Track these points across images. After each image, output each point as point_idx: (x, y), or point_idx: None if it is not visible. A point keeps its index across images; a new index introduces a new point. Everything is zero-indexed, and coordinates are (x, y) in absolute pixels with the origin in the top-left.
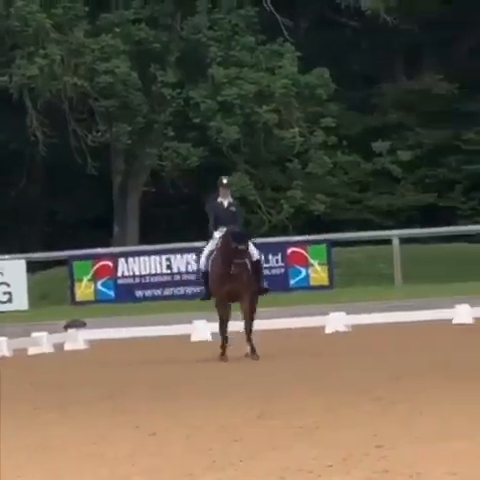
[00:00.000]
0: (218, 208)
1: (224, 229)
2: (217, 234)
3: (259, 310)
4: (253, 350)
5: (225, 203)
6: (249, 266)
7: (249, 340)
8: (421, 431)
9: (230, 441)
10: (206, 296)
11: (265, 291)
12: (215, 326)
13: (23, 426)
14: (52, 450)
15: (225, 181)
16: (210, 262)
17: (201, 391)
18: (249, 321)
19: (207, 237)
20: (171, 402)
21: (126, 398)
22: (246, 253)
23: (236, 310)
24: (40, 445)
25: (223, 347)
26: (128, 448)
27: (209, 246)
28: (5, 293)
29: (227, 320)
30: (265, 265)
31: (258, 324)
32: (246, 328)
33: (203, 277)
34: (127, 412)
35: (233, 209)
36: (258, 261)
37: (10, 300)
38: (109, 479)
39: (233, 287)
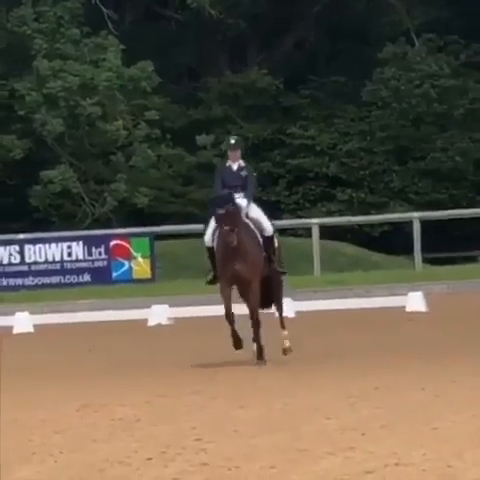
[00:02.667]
0: (225, 172)
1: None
2: None
3: (81, 302)
4: (260, 353)
5: (234, 167)
6: (259, 239)
7: (256, 338)
8: (240, 425)
9: (50, 433)
10: (212, 278)
11: (281, 274)
12: (37, 318)
13: None
14: None
15: (233, 141)
16: (215, 237)
17: (21, 383)
18: (255, 313)
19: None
20: None
21: None
22: (234, 216)
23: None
24: None
25: (235, 339)
26: None
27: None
28: None
29: (230, 309)
30: (88, 257)
31: (82, 317)
32: (253, 320)
33: (208, 254)
34: None
35: (244, 173)
36: (271, 237)
37: None
38: None
39: (238, 267)
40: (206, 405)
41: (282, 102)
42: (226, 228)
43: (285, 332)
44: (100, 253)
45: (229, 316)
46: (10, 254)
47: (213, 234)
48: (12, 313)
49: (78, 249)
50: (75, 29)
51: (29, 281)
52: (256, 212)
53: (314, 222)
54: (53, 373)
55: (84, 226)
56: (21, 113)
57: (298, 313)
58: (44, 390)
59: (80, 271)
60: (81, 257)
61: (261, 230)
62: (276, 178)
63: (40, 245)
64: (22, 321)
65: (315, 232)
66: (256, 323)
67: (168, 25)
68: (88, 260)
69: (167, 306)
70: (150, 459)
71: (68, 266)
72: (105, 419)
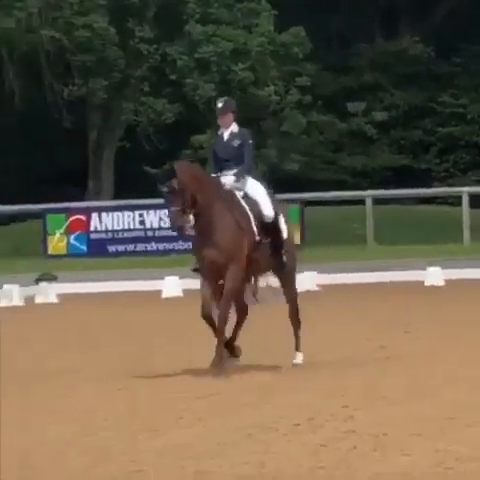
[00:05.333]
0: (217, 144)
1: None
2: None
3: None
4: (234, 354)
5: (225, 135)
6: (248, 219)
7: (218, 336)
8: (387, 392)
9: (196, 399)
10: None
11: (282, 267)
12: (187, 283)
13: None
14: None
15: (220, 104)
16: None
17: (171, 347)
18: (225, 302)
19: None
20: (143, 353)
21: (95, 350)
22: (176, 195)
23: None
24: None
25: (224, 344)
26: (97, 403)
27: None
28: None
29: (206, 308)
30: None
31: None
32: (235, 330)
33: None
34: (95, 365)
35: (236, 142)
36: (272, 224)
37: None
38: (77, 433)
39: (210, 255)
40: (354, 372)
41: (433, 70)
42: (173, 209)
43: (300, 356)
44: None
45: (205, 317)
46: (160, 219)
47: None
48: (161, 278)
49: None
50: None
51: (179, 245)
52: (255, 192)
53: (464, 190)
54: (203, 337)
55: None
56: (172, 77)
57: (447, 281)
58: (193, 353)
59: None
60: None
61: (259, 216)
62: (427, 146)
63: None
64: (171, 286)
65: (465, 200)
66: (221, 317)
67: None
68: None
69: (316, 273)
70: (298, 425)
71: None
72: (253, 384)
